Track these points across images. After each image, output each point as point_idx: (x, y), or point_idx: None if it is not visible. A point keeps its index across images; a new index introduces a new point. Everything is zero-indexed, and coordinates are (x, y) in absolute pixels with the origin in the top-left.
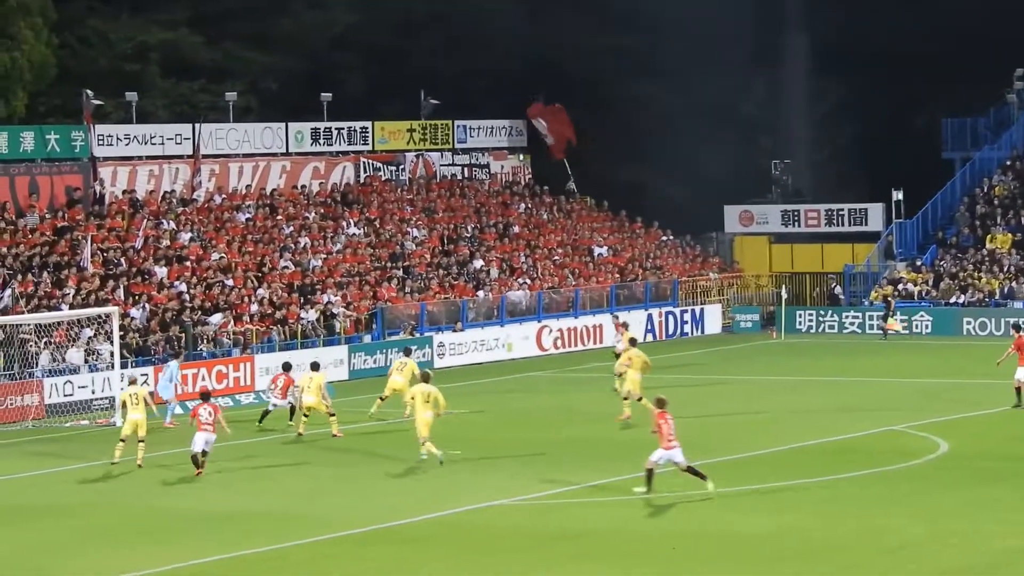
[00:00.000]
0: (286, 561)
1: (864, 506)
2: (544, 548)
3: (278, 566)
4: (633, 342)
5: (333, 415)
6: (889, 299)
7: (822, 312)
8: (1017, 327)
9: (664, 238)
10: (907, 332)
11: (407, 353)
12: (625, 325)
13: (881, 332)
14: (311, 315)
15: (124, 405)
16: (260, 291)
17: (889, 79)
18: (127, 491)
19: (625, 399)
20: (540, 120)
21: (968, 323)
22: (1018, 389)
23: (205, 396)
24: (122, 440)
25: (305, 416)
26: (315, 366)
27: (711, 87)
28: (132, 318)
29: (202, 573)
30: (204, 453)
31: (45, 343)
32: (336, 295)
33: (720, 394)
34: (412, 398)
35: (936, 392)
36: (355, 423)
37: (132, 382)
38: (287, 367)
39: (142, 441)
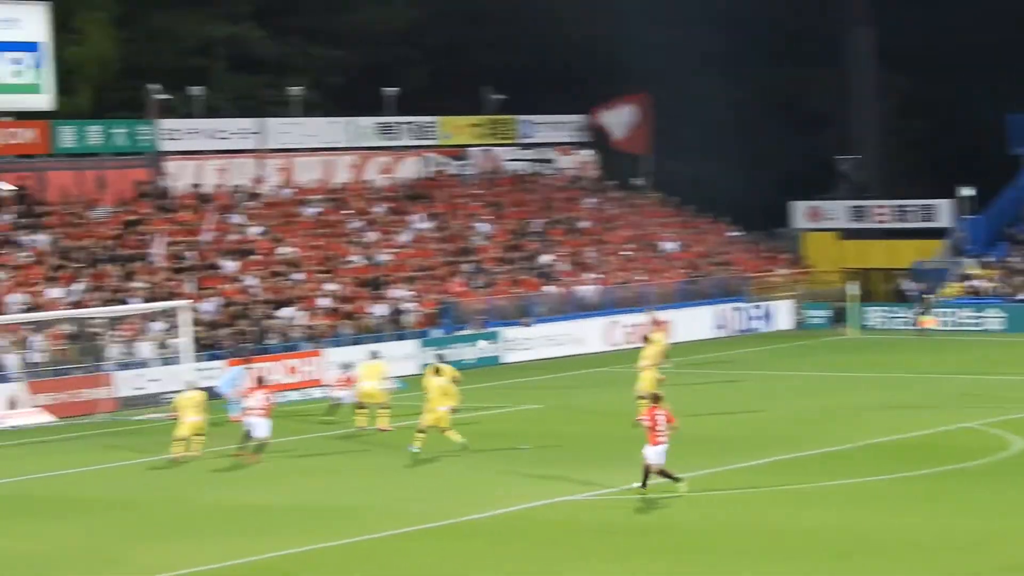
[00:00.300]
0: (347, 556)
1: (936, 503)
2: (615, 542)
3: (341, 560)
4: (646, 340)
5: (386, 408)
6: (925, 296)
7: (892, 308)
8: None
9: (732, 233)
10: (943, 328)
11: (440, 360)
12: (658, 323)
13: (924, 328)
14: (380, 309)
15: (181, 409)
16: (329, 285)
17: (955, 75)
18: (191, 484)
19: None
20: (611, 114)
21: None
22: None
23: (260, 382)
24: (179, 440)
25: (362, 408)
26: (374, 354)
27: (777, 82)
28: (202, 312)
29: (263, 568)
30: (250, 437)
31: (115, 336)
32: (405, 290)
33: (791, 390)
34: (431, 393)
35: (1008, 389)
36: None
37: (190, 388)
38: (347, 366)
39: (201, 435)
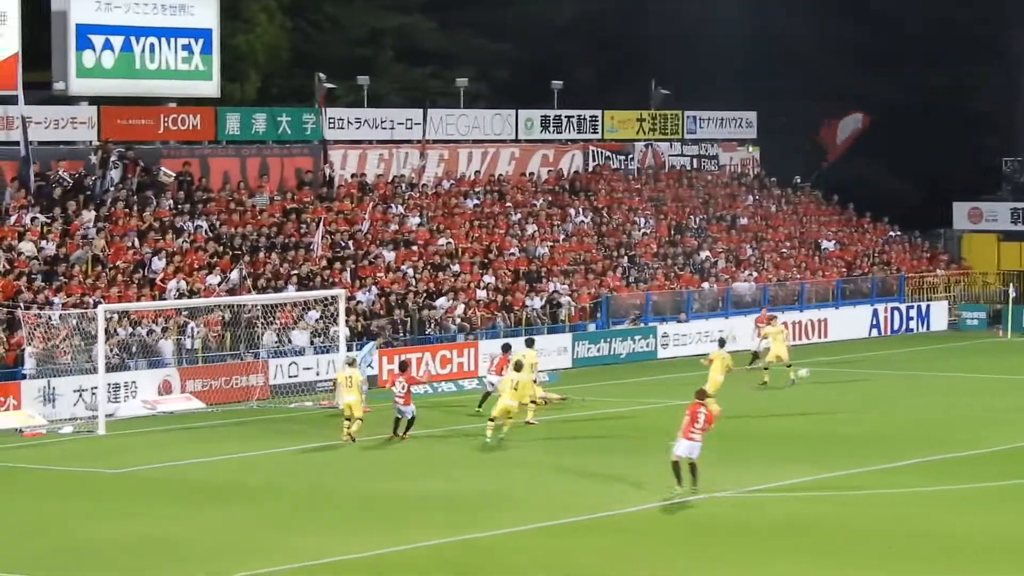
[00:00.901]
0: (489, 548)
1: None
2: (762, 542)
3: (485, 553)
4: (722, 343)
5: (534, 402)
6: None
7: None
8: None
9: (891, 234)
10: None
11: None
12: (771, 320)
13: None
14: (536, 302)
15: (341, 387)
16: (486, 277)
17: None
18: (340, 472)
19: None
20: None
21: None
22: None
23: (403, 367)
24: (347, 419)
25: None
26: (529, 342)
27: (940, 82)
28: (358, 301)
29: (410, 557)
30: (402, 420)
31: (270, 324)
32: (562, 283)
33: (942, 391)
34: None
35: None
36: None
37: (349, 364)
38: (506, 348)
39: (359, 419)
